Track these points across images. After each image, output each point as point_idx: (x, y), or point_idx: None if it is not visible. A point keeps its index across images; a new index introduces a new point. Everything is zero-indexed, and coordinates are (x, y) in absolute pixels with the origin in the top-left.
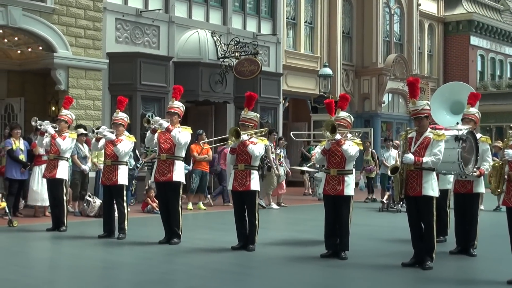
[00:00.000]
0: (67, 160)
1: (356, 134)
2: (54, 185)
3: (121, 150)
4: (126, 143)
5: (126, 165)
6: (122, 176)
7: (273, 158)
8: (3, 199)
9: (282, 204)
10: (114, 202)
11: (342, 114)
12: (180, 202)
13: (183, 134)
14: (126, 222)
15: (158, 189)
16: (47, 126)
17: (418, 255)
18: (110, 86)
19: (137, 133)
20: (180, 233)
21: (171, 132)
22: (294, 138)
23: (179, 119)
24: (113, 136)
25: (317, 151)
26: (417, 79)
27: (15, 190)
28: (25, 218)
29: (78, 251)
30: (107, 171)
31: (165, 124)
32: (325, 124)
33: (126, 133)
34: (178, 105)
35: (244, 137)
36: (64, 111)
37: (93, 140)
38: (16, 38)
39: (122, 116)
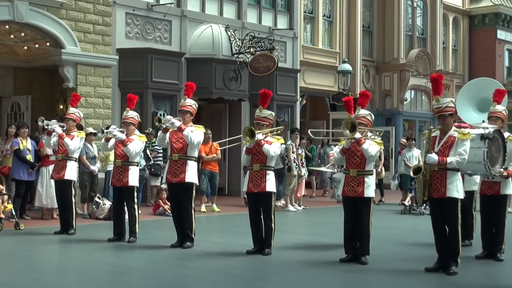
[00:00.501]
0: (75, 161)
1: (377, 133)
2: (63, 186)
3: (132, 150)
4: (137, 143)
5: (137, 165)
6: (133, 177)
7: (294, 158)
8: (10, 201)
9: (302, 206)
10: (125, 204)
11: (363, 112)
12: (193, 204)
13: (195, 133)
14: (137, 225)
15: (170, 190)
16: (55, 125)
17: (442, 260)
18: (120, 83)
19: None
20: (193, 236)
21: (183, 131)
22: (312, 136)
23: (192, 118)
24: (123, 136)
25: (336, 150)
26: (441, 75)
27: (22, 192)
28: (32, 220)
29: (87, 255)
30: (118, 172)
31: (177, 123)
32: (344, 122)
33: (137, 132)
34: (190, 103)
35: (259, 136)
36: (71, 109)
37: (103, 140)
38: (22, 34)
39: (132, 114)
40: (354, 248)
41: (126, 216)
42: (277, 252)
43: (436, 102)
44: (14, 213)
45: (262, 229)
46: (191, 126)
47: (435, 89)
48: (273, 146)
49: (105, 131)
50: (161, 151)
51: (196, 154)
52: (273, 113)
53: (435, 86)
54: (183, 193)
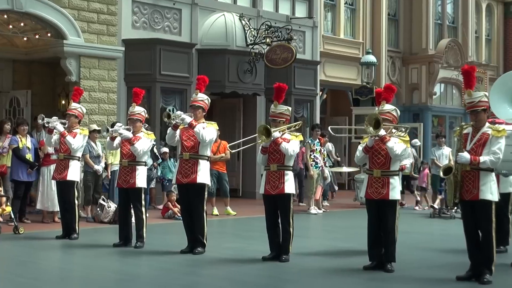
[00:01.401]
0: (78, 160)
1: (403, 129)
2: (65, 188)
3: (139, 149)
4: (144, 141)
5: (145, 165)
6: (141, 178)
7: (314, 157)
8: (8, 203)
9: (323, 209)
10: (131, 206)
11: (387, 107)
12: (205, 207)
13: (208, 130)
14: (144, 229)
15: (180, 192)
16: (55, 123)
17: (475, 267)
18: (126, 76)
19: (157, 129)
20: (205, 241)
21: (195, 128)
22: (332, 134)
23: (204, 114)
24: (130, 134)
25: (359, 149)
26: (473, 67)
27: (21, 193)
28: (32, 224)
29: (91, 261)
30: (124, 172)
31: (188, 119)
32: (367, 118)
33: (144, 129)
34: (202, 98)
35: (276, 134)
36: (73, 105)
37: (108, 138)
38: (22, 24)
39: (138, 110)
40: (378, 254)
41: (133, 219)
42: (295, 259)
43: (468, 96)
44: (13, 216)
45: (280, 234)
46: (203, 122)
47: (467, 82)
48: (292, 144)
49: (110, 129)
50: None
51: (208, 153)
52: (290, 108)
53: (467, 79)
54: (194, 194)
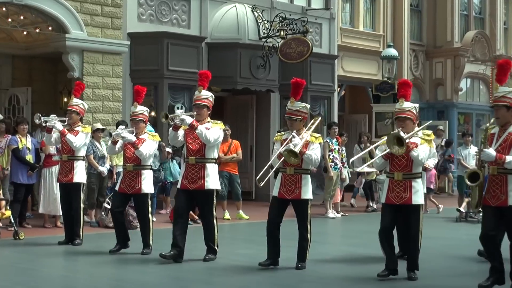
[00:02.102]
0: (83, 160)
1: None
2: (72, 190)
3: (144, 153)
4: (149, 144)
5: (151, 169)
6: (147, 183)
7: (333, 157)
8: (7, 207)
9: (341, 213)
10: (125, 210)
11: (407, 104)
12: (215, 213)
13: (213, 131)
14: (151, 236)
15: (182, 197)
16: (54, 121)
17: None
18: (131, 72)
19: (164, 128)
20: (216, 248)
21: (196, 129)
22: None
23: (209, 112)
24: (133, 138)
25: (377, 153)
26: (509, 62)
27: (21, 196)
28: (33, 229)
29: (95, 268)
30: (128, 177)
31: (189, 119)
32: (387, 139)
33: (149, 128)
34: (206, 95)
35: (298, 147)
36: (75, 100)
37: (109, 143)
38: (21, 17)
39: (141, 109)
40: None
41: (136, 226)
42: (312, 266)
43: (495, 90)
44: (12, 220)
45: (279, 241)
46: (208, 122)
47: (498, 76)
48: (315, 151)
49: (113, 134)
50: None
51: (215, 155)
52: (308, 106)
53: (500, 73)
54: (203, 201)
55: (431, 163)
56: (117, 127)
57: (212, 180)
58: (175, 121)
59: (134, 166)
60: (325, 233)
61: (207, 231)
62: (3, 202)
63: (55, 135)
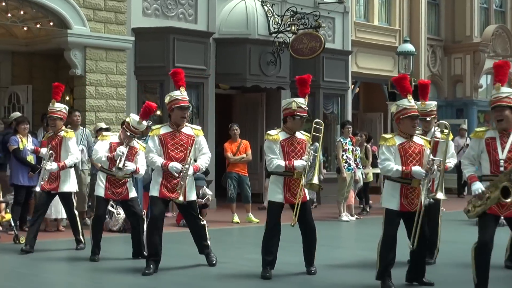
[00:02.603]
0: (72, 166)
1: (443, 126)
2: (62, 200)
3: (143, 172)
4: (143, 157)
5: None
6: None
7: (346, 157)
8: (8, 210)
9: (355, 216)
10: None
11: (430, 104)
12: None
13: (205, 146)
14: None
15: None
16: (50, 167)
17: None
18: (136, 69)
19: None
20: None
21: (199, 171)
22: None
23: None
24: (132, 166)
25: (386, 158)
26: (508, 62)
27: (22, 199)
28: None
29: (99, 274)
30: (117, 185)
31: (131, 166)
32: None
33: (137, 140)
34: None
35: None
36: (57, 105)
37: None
38: (22, 12)
39: (141, 126)
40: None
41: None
42: (325, 271)
43: (496, 90)
44: (13, 224)
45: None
46: (186, 126)
47: (499, 77)
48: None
49: (123, 169)
50: None
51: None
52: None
53: (499, 73)
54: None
55: (451, 163)
56: (122, 126)
57: (192, 190)
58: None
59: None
60: (339, 237)
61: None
62: (3, 205)
63: (44, 150)
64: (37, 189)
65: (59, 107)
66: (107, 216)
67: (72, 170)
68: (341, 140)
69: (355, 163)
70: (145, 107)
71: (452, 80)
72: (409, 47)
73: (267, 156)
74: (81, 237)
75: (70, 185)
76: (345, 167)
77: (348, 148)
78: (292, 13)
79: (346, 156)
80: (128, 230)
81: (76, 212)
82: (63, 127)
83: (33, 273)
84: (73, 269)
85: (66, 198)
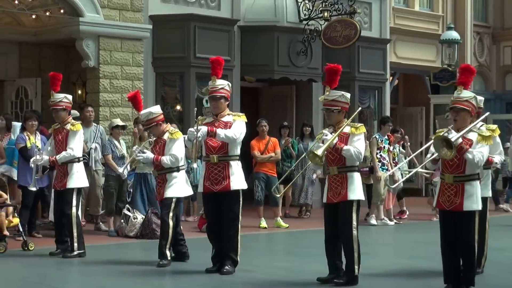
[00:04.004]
0: (78, 162)
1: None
2: (65, 197)
3: (169, 162)
4: (173, 147)
5: (178, 171)
6: (173, 187)
7: (380, 156)
8: (16, 214)
9: (394, 221)
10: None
11: (465, 94)
12: (240, 217)
13: (234, 127)
14: (168, 245)
15: (209, 202)
16: (41, 160)
17: None
18: (154, 60)
19: (191, 122)
20: (238, 259)
21: (215, 134)
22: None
23: (227, 103)
24: (150, 155)
25: (427, 156)
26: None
27: (30, 202)
28: (43, 239)
29: (112, 282)
30: (157, 183)
31: (204, 129)
32: (434, 143)
33: (171, 128)
34: (222, 84)
35: (329, 137)
36: (57, 96)
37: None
38: None
39: (156, 111)
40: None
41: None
42: (362, 280)
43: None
44: (21, 229)
45: (341, 252)
46: (228, 114)
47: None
48: (355, 143)
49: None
50: None
51: (239, 152)
52: (347, 94)
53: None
54: (230, 204)
55: (497, 159)
56: (135, 124)
57: (237, 180)
58: (199, 139)
59: (158, 172)
60: (375, 244)
61: (227, 238)
62: (11, 209)
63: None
64: (33, 188)
65: (59, 97)
66: (122, 221)
67: (80, 165)
68: (377, 137)
69: (393, 162)
70: (130, 98)
71: (501, 71)
72: (454, 34)
73: None
74: (74, 244)
75: (74, 181)
76: (379, 166)
77: (384, 147)
78: None
79: (380, 155)
80: (145, 236)
81: (73, 212)
82: (70, 119)
83: (43, 282)
84: (85, 278)
85: (65, 194)
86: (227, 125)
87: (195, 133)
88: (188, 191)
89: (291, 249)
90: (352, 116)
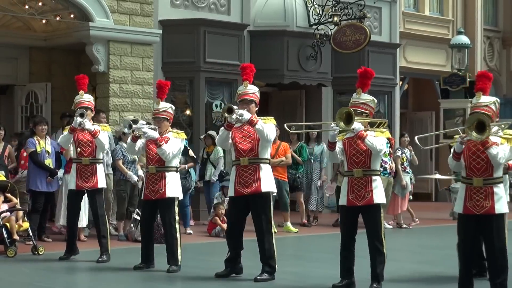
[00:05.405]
0: (101, 163)
1: (503, 126)
2: (95, 197)
3: (168, 151)
4: (173, 142)
5: (177, 171)
6: (172, 186)
7: (382, 160)
8: (25, 218)
9: (404, 226)
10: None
11: (484, 99)
12: (272, 222)
13: (268, 127)
14: (179, 250)
15: (237, 204)
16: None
17: None
18: (164, 65)
19: (200, 127)
20: (275, 265)
21: (256, 125)
22: (289, 131)
23: (257, 109)
24: (155, 134)
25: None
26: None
27: (40, 206)
28: (54, 243)
29: (123, 287)
30: (152, 181)
31: (247, 115)
32: (467, 121)
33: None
34: (254, 90)
35: (358, 125)
36: (86, 96)
37: (129, 139)
38: (40, 4)
39: (164, 107)
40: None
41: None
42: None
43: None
44: (31, 233)
45: (354, 258)
46: (259, 119)
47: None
48: (379, 139)
49: (133, 126)
50: None
51: (269, 155)
52: (375, 100)
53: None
54: (259, 206)
55: None
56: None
57: (268, 182)
58: (236, 116)
59: (157, 168)
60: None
61: (262, 244)
62: (21, 213)
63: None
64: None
65: (88, 98)
66: (132, 225)
67: (102, 166)
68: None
69: (402, 167)
70: (157, 86)
71: (511, 76)
72: (464, 39)
73: None
74: (108, 246)
75: (102, 180)
76: (381, 171)
77: (385, 151)
78: (334, 2)
79: (382, 159)
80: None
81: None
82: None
83: (53, 287)
84: (94, 284)
85: (100, 195)
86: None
87: (243, 115)
88: (181, 196)
89: (300, 253)
90: (379, 121)
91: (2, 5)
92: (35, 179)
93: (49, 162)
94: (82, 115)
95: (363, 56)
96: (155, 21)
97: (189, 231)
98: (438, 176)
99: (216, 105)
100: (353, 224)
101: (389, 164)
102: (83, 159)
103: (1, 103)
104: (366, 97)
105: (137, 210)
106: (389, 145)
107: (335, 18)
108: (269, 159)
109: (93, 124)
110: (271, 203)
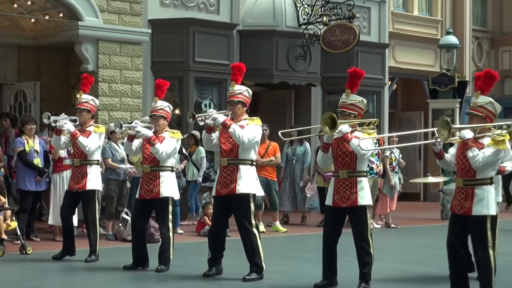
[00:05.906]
0: (97, 164)
1: (504, 126)
2: (84, 199)
3: (161, 150)
4: (168, 142)
5: (172, 171)
6: (167, 186)
7: (368, 160)
8: (14, 218)
9: (393, 225)
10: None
11: (482, 99)
12: (253, 221)
13: (248, 129)
14: (171, 250)
15: (218, 205)
16: (64, 122)
17: None
18: (153, 64)
19: (190, 127)
20: (263, 264)
21: (229, 128)
22: (283, 139)
23: (246, 109)
24: (149, 133)
25: (450, 152)
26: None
27: (28, 206)
28: (42, 242)
29: (112, 287)
30: (146, 180)
31: (221, 118)
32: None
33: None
34: (241, 90)
35: (345, 128)
36: (84, 97)
37: (125, 139)
38: (29, 3)
39: (162, 105)
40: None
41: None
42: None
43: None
44: (19, 233)
45: (336, 257)
46: (245, 119)
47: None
48: (364, 142)
49: (124, 125)
50: None
51: (253, 156)
52: (365, 101)
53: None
54: (238, 208)
55: (508, 165)
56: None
57: (246, 184)
58: (206, 121)
59: (151, 168)
60: (375, 248)
61: (245, 243)
62: (9, 212)
63: (64, 137)
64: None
65: (86, 98)
66: (120, 224)
67: (97, 168)
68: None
69: (391, 167)
70: (156, 85)
71: (500, 76)
72: (452, 39)
73: None
74: (96, 247)
75: (95, 182)
76: (367, 172)
77: (372, 152)
78: (323, 2)
79: (369, 159)
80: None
81: (97, 215)
82: (92, 122)
83: (41, 286)
84: (83, 283)
85: (90, 196)
86: None
87: (216, 119)
88: (177, 195)
89: (289, 253)
90: (369, 121)
91: None
92: (23, 178)
93: (38, 161)
94: (48, 118)
95: (352, 56)
96: (144, 20)
97: (180, 231)
98: (431, 179)
99: (205, 105)
100: (337, 225)
101: (376, 164)
102: (75, 160)
103: None
104: (354, 98)
105: (125, 209)
106: (377, 145)
107: (325, 18)
108: (252, 160)
109: (91, 125)
110: (251, 204)
